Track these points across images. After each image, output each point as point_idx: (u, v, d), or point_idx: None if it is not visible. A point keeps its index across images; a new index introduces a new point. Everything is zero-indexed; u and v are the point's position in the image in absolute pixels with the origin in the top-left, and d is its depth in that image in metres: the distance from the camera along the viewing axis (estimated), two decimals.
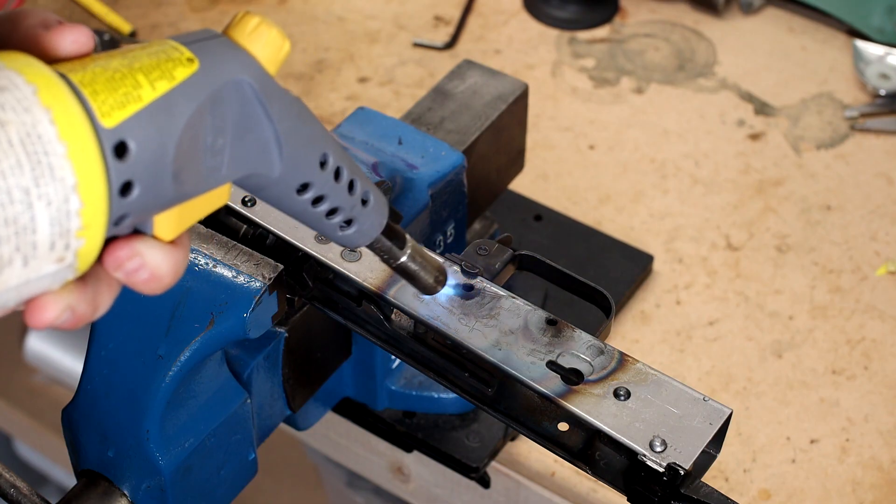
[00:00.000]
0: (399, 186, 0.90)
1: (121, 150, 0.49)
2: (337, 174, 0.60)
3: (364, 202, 0.63)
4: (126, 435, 0.80)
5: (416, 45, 1.39)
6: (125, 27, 1.38)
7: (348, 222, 0.63)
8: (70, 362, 1.72)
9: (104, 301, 0.54)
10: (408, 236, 0.70)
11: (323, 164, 0.59)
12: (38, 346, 1.74)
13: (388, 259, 0.70)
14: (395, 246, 0.69)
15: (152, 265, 0.54)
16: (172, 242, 0.55)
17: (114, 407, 0.80)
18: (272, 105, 0.55)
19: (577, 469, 0.85)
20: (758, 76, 1.36)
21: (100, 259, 0.53)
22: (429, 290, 0.74)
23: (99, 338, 0.81)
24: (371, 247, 0.68)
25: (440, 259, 0.80)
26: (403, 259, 0.70)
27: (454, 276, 0.80)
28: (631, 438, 0.73)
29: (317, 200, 0.60)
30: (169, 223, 0.54)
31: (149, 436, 0.79)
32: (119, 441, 0.80)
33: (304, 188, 0.59)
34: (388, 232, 0.67)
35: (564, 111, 1.32)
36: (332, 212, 0.61)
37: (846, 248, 1.18)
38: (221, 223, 0.86)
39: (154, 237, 0.54)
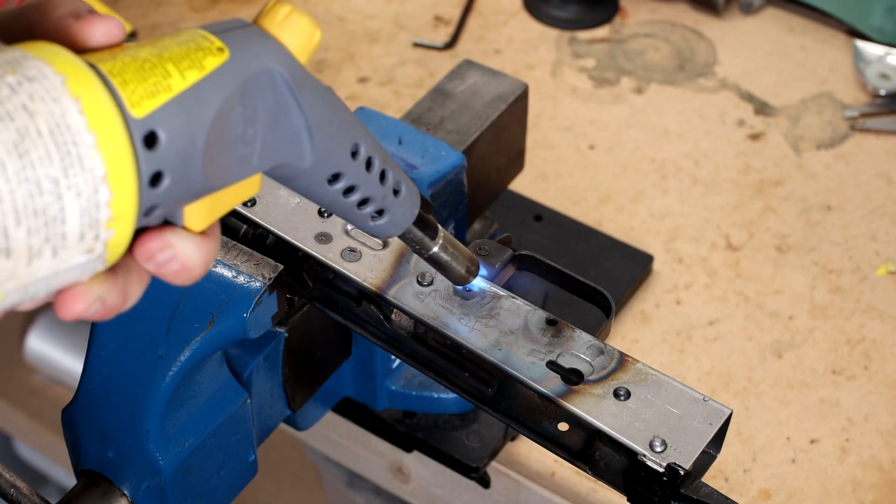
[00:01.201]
0: None
1: (151, 140, 0.49)
2: (368, 164, 0.60)
3: (396, 192, 0.62)
4: (126, 435, 0.80)
5: (416, 45, 1.39)
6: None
7: (380, 212, 0.62)
8: (70, 362, 1.72)
9: (134, 292, 0.54)
10: (440, 226, 0.70)
11: (354, 154, 0.59)
12: (38, 346, 1.74)
13: (420, 249, 0.70)
14: (426, 236, 0.69)
15: (183, 256, 0.53)
16: (203, 233, 0.54)
17: (114, 407, 0.80)
18: (303, 94, 0.55)
19: (577, 469, 0.85)
20: (758, 76, 1.36)
21: (130, 250, 0.53)
22: (460, 281, 0.74)
23: (99, 338, 0.81)
24: (403, 237, 0.67)
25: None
26: (435, 249, 0.70)
27: (486, 272, 0.80)
28: (631, 438, 0.73)
29: (348, 191, 0.59)
30: (199, 214, 0.54)
31: (149, 436, 0.79)
32: (119, 441, 0.80)
33: (335, 178, 0.58)
34: (420, 222, 0.67)
35: (564, 111, 1.32)
36: (363, 202, 0.61)
37: (846, 248, 1.18)
38: (221, 223, 0.86)
39: (184, 228, 0.54)
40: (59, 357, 1.73)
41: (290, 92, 0.55)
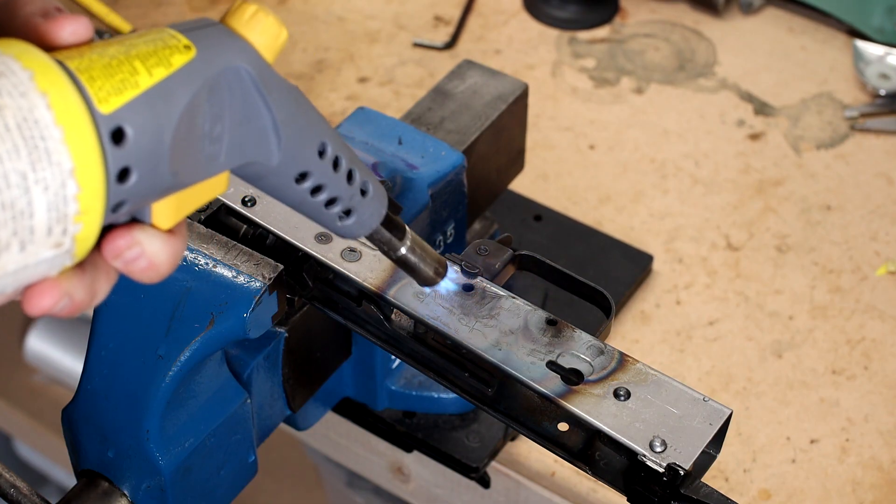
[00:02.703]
0: (399, 186, 0.90)
1: (118, 135, 0.50)
2: (336, 163, 0.60)
3: (363, 192, 0.63)
4: (126, 435, 0.80)
5: (416, 45, 1.39)
6: (125, 27, 1.38)
7: (347, 212, 0.62)
8: (70, 362, 1.72)
9: (102, 288, 0.54)
10: (407, 228, 0.70)
11: (321, 154, 0.59)
12: (38, 346, 1.74)
13: (388, 251, 0.70)
14: (394, 237, 0.69)
15: (151, 254, 0.54)
16: (170, 231, 0.55)
17: (114, 407, 0.80)
18: (270, 93, 0.55)
19: (577, 469, 0.85)
20: (758, 76, 1.36)
21: (98, 247, 0.53)
22: (428, 282, 0.74)
23: (99, 338, 0.81)
24: (370, 238, 0.67)
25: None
26: (403, 251, 0.70)
27: (454, 275, 0.80)
28: (631, 438, 0.73)
29: (315, 190, 0.60)
30: (167, 211, 0.54)
31: (149, 436, 0.79)
32: (119, 441, 0.80)
33: (302, 177, 0.59)
34: (388, 223, 0.67)
35: (564, 111, 1.32)
36: (330, 202, 0.61)
37: (846, 248, 1.18)
38: (221, 223, 0.86)
39: (152, 225, 0.54)
40: (59, 357, 1.73)
41: (257, 90, 0.55)
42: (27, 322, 1.76)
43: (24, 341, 1.74)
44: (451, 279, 0.80)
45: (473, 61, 1.03)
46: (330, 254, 0.82)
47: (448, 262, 0.80)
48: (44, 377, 1.76)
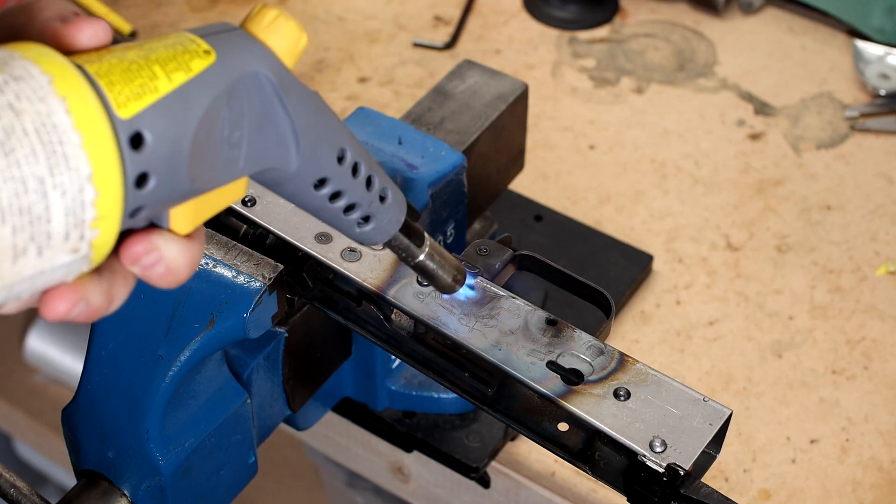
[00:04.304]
0: (399, 186, 0.90)
1: (136, 141, 0.49)
2: (355, 170, 0.60)
3: (382, 199, 0.63)
4: (126, 435, 0.80)
5: (416, 45, 1.39)
6: (125, 27, 1.38)
7: (366, 219, 0.62)
8: (70, 362, 1.72)
9: (119, 294, 0.54)
10: (426, 234, 0.70)
11: (340, 160, 0.59)
12: (38, 346, 1.74)
13: (406, 257, 0.70)
14: (413, 244, 0.69)
15: (169, 259, 0.53)
16: (188, 236, 0.54)
17: (114, 407, 0.80)
18: (289, 98, 0.55)
19: (577, 469, 0.85)
20: (758, 76, 1.36)
21: (116, 252, 0.53)
22: (447, 290, 0.73)
23: (99, 338, 0.81)
24: (389, 244, 0.67)
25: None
26: (421, 257, 0.70)
27: (471, 277, 0.80)
28: (631, 439, 0.73)
29: (334, 196, 0.60)
30: (185, 217, 0.54)
31: (149, 436, 0.79)
32: (119, 441, 0.80)
33: (321, 183, 0.59)
34: (407, 229, 0.67)
35: (564, 111, 1.32)
36: (349, 208, 0.61)
37: (846, 248, 1.18)
38: (221, 223, 0.86)
39: (170, 231, 0.54)
40: (59, 357, 1.73)
41: (277, 95, 0.55)
42: (27, 322, 1.76)
43: (24, 341, 1.74)
44: (468, 286, 0.79)
45: (473, 61, 1.03)
46: (330, 254, 0.82)
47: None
48: (44, 377, 1.76)
